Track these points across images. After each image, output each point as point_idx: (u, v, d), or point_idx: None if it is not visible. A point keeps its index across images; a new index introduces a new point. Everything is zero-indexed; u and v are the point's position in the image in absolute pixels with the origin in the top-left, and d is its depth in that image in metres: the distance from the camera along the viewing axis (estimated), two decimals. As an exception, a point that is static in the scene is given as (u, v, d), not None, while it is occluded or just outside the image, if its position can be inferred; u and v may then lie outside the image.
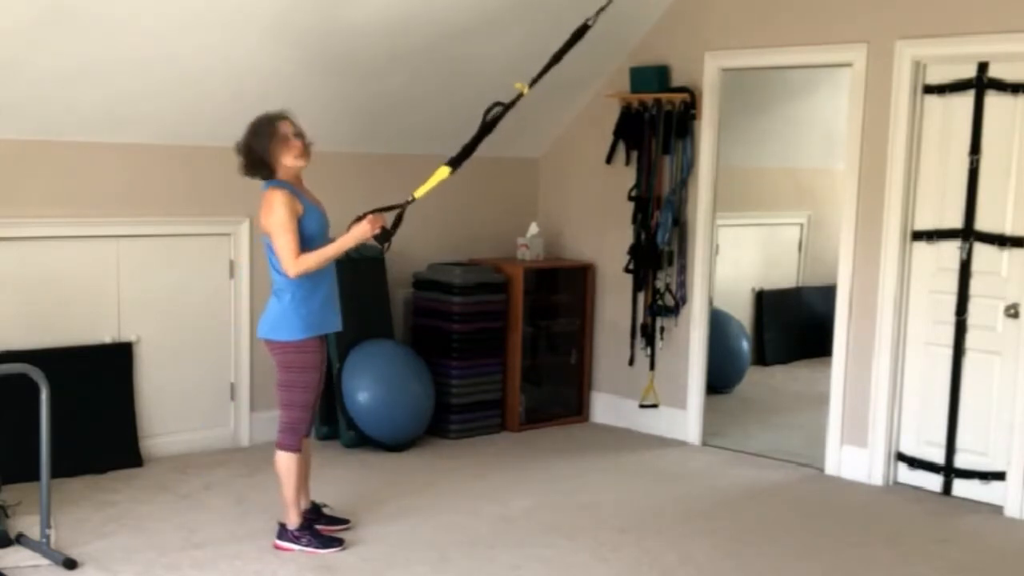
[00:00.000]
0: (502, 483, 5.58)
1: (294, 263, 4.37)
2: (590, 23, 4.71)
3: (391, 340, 6.34)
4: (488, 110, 4.61)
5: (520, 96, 4.63)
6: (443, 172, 4.57)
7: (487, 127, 4.62)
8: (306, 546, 4.54)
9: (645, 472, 5.90)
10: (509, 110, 4.63)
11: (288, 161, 4.47)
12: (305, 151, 4.51)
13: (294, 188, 4.48)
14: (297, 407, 4.54)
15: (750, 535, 4.90)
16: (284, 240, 4.37)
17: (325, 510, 4.82)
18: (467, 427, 6.48)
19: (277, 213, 4.38)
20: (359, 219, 4.47)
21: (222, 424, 6.09)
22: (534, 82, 4.67)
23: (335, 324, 4.63)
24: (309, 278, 4.45)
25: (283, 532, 4.59)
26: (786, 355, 8.78)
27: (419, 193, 4.56)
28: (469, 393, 6.47)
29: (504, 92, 4.69)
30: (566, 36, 4.75)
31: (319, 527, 4.66)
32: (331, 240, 4.52)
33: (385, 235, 4.48)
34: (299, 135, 4.50)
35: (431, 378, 6.23)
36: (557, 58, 4.72)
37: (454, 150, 4.65)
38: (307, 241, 4.43)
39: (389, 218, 4.53)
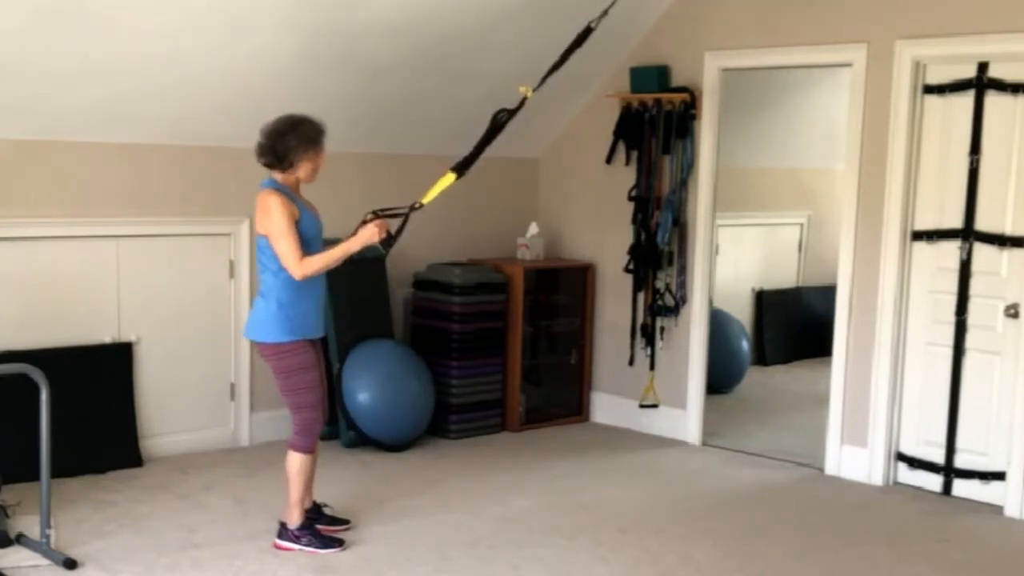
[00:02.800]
0: (502, 483, 5.58)
1: (299, 266, 4.36)
2: (593, 26, 4.71)
3: (391, 340, 6.34)
4: (495, 116, 4.60)
5: (524, 100, 4.64)
6: (449, 178, 4.57)
7: (493, 132, 4.62)
8: (306, 546, 4.54)
9: (645, 472, 5.90)
10: (514, 115, 4.63)
11: (303, 174, 4.49)
12: (318, 169, 4.55)
13: (291, 193, 4.48)
14: (306, 408, 4.54)
15: (750, 535, 4.90)
16: (286, 244, 4.36)
17: (326, 510, 4.82)
18: (467, 427, 6.48)
19: (276, 217, 4.36)
20: (365, 222, 4.46)
21: (222, 424, 6.09)
22: (538, 86, 4.67)
23: (318, 331, 4.61)
24: (298, 285, 4.43)
25: (283, 531, 4.59)
26: (786, 355, 8.78)
27: (426, 199, 4.56)
28: (469, 393, 6.47)
29: (508, 90, 4.69)
30: (569, 36, 4.75)
31: (319, 527, 4.66)
32: (326, 243, 4.51)
33: (390, 240, 4.48)
34: None
35: (431, 378, 6.23)
36: (561, 61, 4.72)
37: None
38: (302, 244, 4.41)
39: (394, 223, 4.53)
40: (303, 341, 4.51)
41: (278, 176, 4.48)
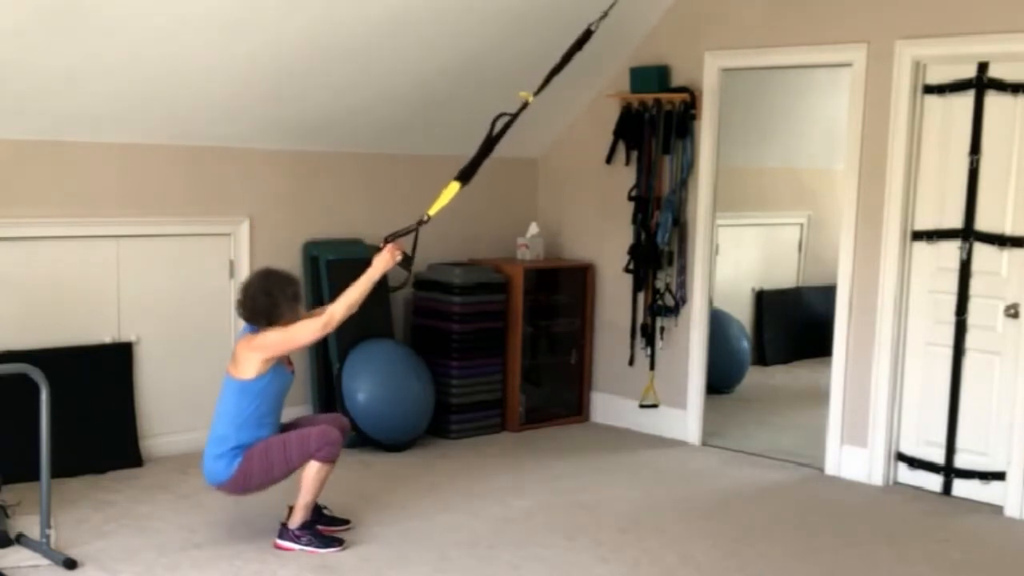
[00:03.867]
0: (502, 483, 5.58)
1: (322, 324, 4.42)
2: (593, 28, 4.70)
3: (391, 340, 6.34)
4: (494, 121, 4.60)
5: (525, 105, 4.62)
6: (454, 187, 4.58)
7: (494, 138, 4.62)
8: (306, 545, 4.54)
9: (645, 472, 5.90)
10: (515, 120, 4.63)
11: (281, 327, 4.51)
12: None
13: None
14: (303, 444, 4.51)
15: (750, 535, 4.90)
16: (300, 328, 4.45)
17: (325, 511, 4.82)
18: (467, 427, 6.48)
19: (273, 335, 4.43)
20: (379, 250, 4.50)
21: (222, 424, 6.08)
22: (539, 90, 4.65)
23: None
24: (256, 427, 4.48)
25: (284, 532, 4.60)
26: (786, 355, 8.78)
27: (432, 211, 4.57)
28: (469, 393, 6.47)
29: (507, 91, 4.68)
30: (569, 37, 4.74)
31: (319, 527, 4.66)
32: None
33: (407, 261, 4.52)
34: None
35: (431, 378, 6.23)
36: (561, 65, 4.71)
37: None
38: (270, 396, 4.50)
39: (406, 243, 4.54)
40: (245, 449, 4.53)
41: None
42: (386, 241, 4.51)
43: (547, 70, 4.65)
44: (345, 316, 4.46)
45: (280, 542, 4.58)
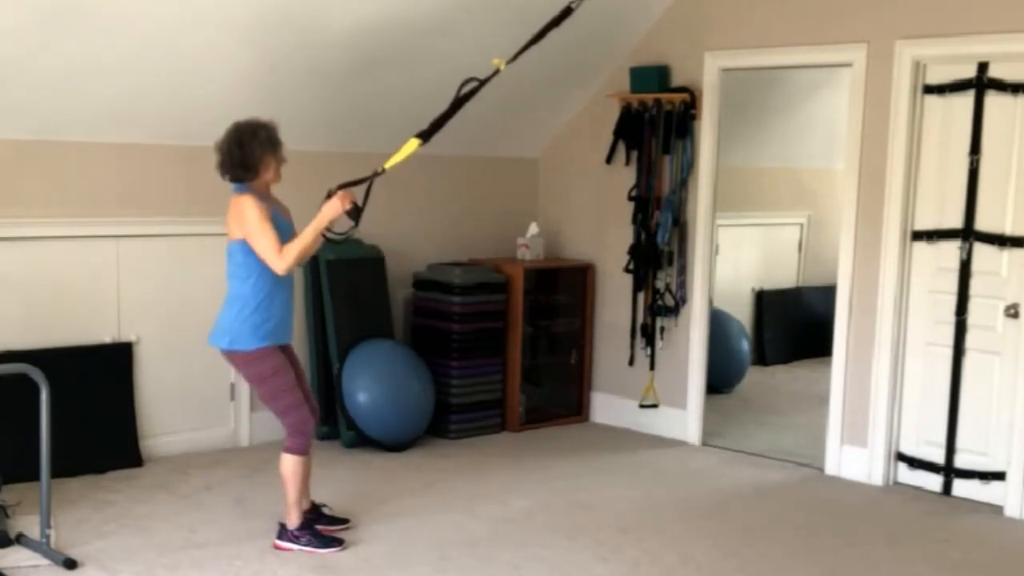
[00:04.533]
0: (502, 483, 5.58)
1: (280, 258, 4.35)
2: (573, 6, 4.67)
3: (391, 340, 6.34)
4: (462, 84, 4.58)
5: (497, 72, 4.58)
6: (412, 144, 4.52)
7: (460, 101, 4.58)
8: (306, 545, 4.54)
9: (645, 472, 5.90)
10: (484, 85, 4.58)
11: (270, 176, 4.48)
12: (281, 168, 4.53)
13: (263, 196, 4.46)
14: (292, 409, 4.53)
15: (750, 535, 4.90)
16: (265, 241, 4.34)
17: (325, 510, 4.82)
18: (467, 427, 6.48)
19: (251, 216, 4.35)
20: (328, 196, 4.43)
21: (222, 424, 6.09)
22: (512, 59, 4.62)
23: (287, 337, 4.60)
24: (266, 290, 4.43)
25: (283, 532, 4.60)
26: (786, 355, 8.78)
27: (388, 164, 4.52)
28: (469, 393, 6.47)
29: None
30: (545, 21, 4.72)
31: (319, 527, 4.67)
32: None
33: (356, 211, 4.42)
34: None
35: (431, 378, 6.23)
36: (537, 38, 4.68)
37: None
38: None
39: (358, 193, 4.48)
40: (265, 349, 4.49)
41: (248, 183, 4.46)
42: (338, 188, 4.44)
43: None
44: (298, 258, 4.37)
45: (279, 542, 4.58)
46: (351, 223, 4.45)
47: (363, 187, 4.53)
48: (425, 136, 4.56)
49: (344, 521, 4.83)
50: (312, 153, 6.21)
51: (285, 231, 4.48)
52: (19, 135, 5.24)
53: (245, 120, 4.49)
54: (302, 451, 4.56)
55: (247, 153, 4.40)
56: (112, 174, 5.58)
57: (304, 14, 5.22)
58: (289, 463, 4.55)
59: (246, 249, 4.41)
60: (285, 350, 4.61)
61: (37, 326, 5.38)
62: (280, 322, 4.52)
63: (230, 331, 4.46)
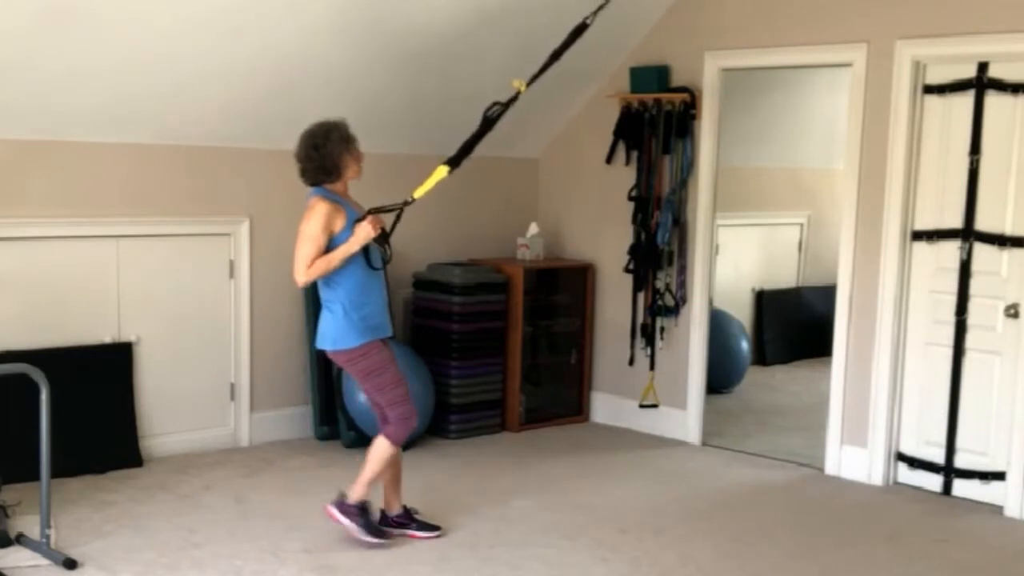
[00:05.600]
0: (502, 483, 5.58)
1: (304, 271, 4.40)
2: (588, 22, 4.70)
3: (391, 340, 6.32)
4: (488, 109, 4.62)
5: (518, 94, 4.63)
6: (441, 171, 4.58)
7: (486, 126, 4.62)
8: (356, 524, 4.57)
9: (645, 472, 5.90)
10: (508, 109, 4.63)
11: (352, 173, 4.52)
12: (362, 162, 4.58)
13: (342, 199, 4.50)
14: (399, 402, 4.56)
15: (750, 535, 4.90)
16: (305, 249, 4.39)
17: (417, 516, 4.80)
18: (467, 427, 6.48)
19: (313, 224, 4.40)
20: (360, 220, 4.47)
21: (222, 424, 6.09)
22: (532, 80, 4.66)
23: (386, 330, 4.64)
24: (359, 289, 4.47)
25: (342, 504, 4.61)
26: (786, 355, 8.78)
27: (418, 193, 4.57)
28: (469, 393, 6.47)
29: (502, 91, 4.68)
30: (565, 34, 4.74)
31: (410, 532, 4.70)
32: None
33: (384, 237, 4.50)
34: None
35: (431, 378, 6.23)
36: (555, 57, 4.71)
37: (452, 149, 4.65)
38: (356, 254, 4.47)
39: (388, 219, 4.54)
40: (371, 345, 4.52)
41: (328, 185, 4.50)
42: (369, 213, 4.48)
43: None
44: (319, 276, 4.41)
45: (332, 510, 4.61)
46: (384, 249, 4.53)
47: (393, 213, 4.56)
48: (453, 163, 4.60)
49: (435, 528, 4.78)
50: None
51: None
52: (19, 135, 5.24)
53: (315, 124, 4.53)
54: (399, 440, 4.59)
55: (325, 155, 4.44)
56: (112, 174, 5.58)
57: (303, 15, 5.22)
58: (383, 446, 4.57)
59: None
60: (388, 344, 4.63)
61: (37, 326, 5.38)
62: (377, 316, 4.55)
63: (332, 332, 4.51)
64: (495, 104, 4.61)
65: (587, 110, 6.90)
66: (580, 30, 4.71)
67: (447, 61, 5.98)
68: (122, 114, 5.38)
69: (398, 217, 4.56)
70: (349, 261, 4.43)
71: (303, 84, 5.66)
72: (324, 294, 4.55)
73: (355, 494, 4.61)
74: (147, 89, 5.27)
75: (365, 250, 4.47)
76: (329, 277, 4.46)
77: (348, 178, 4.53)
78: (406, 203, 4.57)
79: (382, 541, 4.60)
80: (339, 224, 4.43)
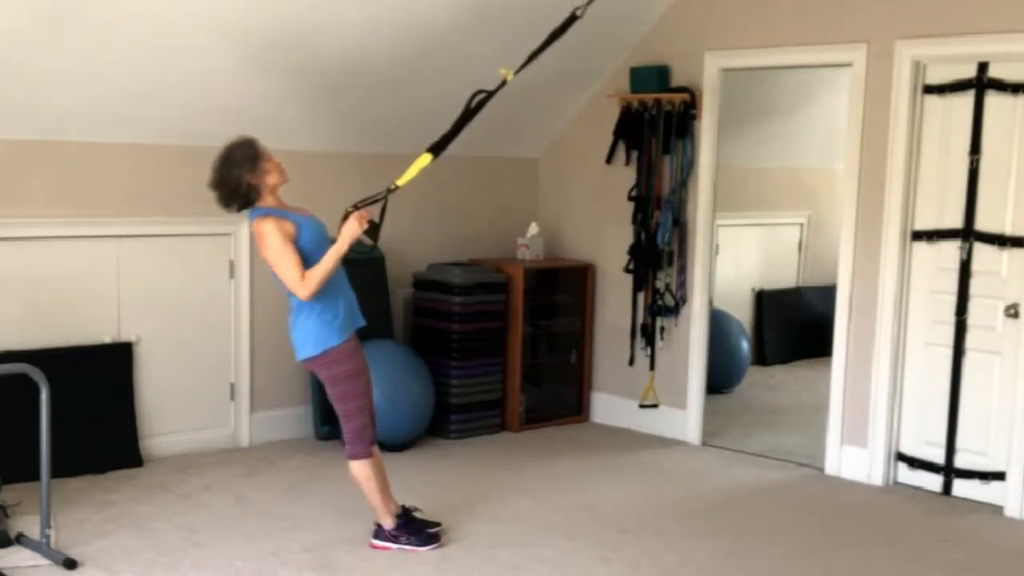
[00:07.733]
0: (502, 483, 5.58)
1: (302, 287, 4.30)
2: (578, 14, 4.66)
3: (391, 340, 6.34)
4: (472, 97, 4.57)
5: (504, 83, 4.58)
6: (425, 159, 4.51)
7: (470, 113, 4.56)
8: (405, 544, 4.57)
9: (645, 472, 5.90)
10: (492, 97, 4.58)
11: (272, 180, 4.39)
12: (281, 167, 4.44)
13: (280, 210, 4.39)
14: (356, 415, 4.52)
15: (750, 535, 4.90)
16: (285, 267, 4.30)
17: (417, 514, 4.79)
18: (467, 427, 6.48)
19: (271, 242, 4.30)
20: (345, 217, 4.39)
21: (222, 424, 6.09)
22: (519, 70, 4.62)
23: (359, 320, 4.57)
24: (330, 283, 4.38)
25: (379, 532, 4.61)
26: (786, 355, 8.78)
27: (401, 181, 4.49)
28: (469, 393, 6.47)
29: (490, 87, 4.65)
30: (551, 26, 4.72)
31: (408, 548, 4.65)
32: (331, 244, 4.45)
33: (374, 229, 4.40)
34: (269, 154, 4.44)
35: (431, 378, 6.23)
36: (543, 47, 4.67)
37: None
38: (309, 255, 4.35)
39: (374, 210, 4.47)
40: (352, 343, 4.47)
41: (259, 204, 4.40)
42: (353, 208, 4.41)
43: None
44: (319, 285, 4.31)
45: (376, 542, 4.60)
46: (370, 241, 4.45)
47: (378, 204, 4.49)
48: (436, 150, 4.54)
49: (435, 524, 4.78)
50: (314, 153, 6.22)
51: (317, 234, 4.44)
52: (20, 135, 5.24)
53: (220, 149, 4.40)
54: (364, 455, 4.55)
55: (233, 182, 4.34)
56: (113, 174, 5.58)
57: (304, 17, 5.22)
58: (358, 468, 4.55)
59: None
60: (360, 346, 4.56)
61: (37, 326, 5.38)
62: (349, 310, 4.48)
63: (307, 339, 4.42)
64: (480, 92, 4.57)
65: (587, 110, 6.90)
66: (570, 21, 4.67)
67: (445, 60, 5.98)
68: (122, 114, 5.38)
69: (385, 206, 4.48)
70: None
71: (302, 83, 5.65)
72: (292, 301, 4.45)
73: (381, 518, 4.61)
74: (147, 89, 5.27)
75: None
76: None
77: (274, 188, 4.41)
78: (389, 191, 4.47)
79: (440, 544, 4.61)
80: (291, 230, 4.33)
